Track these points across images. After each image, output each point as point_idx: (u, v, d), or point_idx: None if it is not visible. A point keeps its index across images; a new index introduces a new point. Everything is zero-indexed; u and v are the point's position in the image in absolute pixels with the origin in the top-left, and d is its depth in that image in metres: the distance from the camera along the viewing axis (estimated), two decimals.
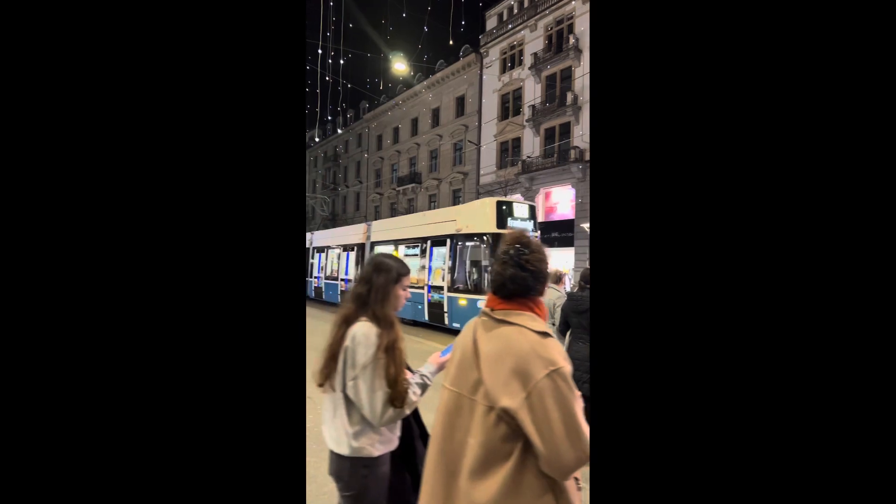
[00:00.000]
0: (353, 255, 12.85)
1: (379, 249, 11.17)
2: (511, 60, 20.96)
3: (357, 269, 12.22)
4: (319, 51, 11.76)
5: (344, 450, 1.31)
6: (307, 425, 3.25)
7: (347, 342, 1.31)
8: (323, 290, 14.73)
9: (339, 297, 13.19)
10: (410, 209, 25.20)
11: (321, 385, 1.37)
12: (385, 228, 11.87)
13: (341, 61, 12.23)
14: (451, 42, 11.20)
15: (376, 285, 1.38)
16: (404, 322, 9.46)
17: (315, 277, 15.59)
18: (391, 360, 1.31)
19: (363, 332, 1.31)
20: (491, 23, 22.40)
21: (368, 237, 12.17)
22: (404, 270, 1.45)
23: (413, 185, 26.02)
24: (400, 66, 13.73)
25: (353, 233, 13.46)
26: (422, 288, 9.49)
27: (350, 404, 1.32)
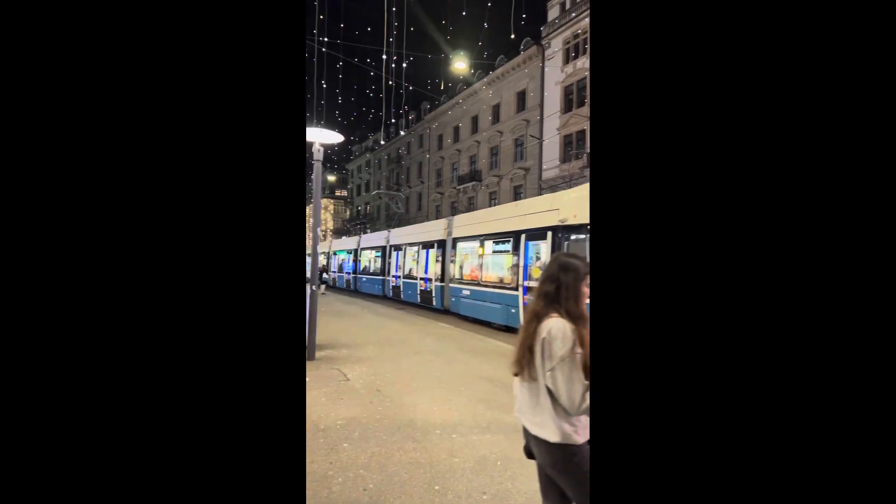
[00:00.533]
0: (433, 252, 12.00)
1: (462, 246, 10.55)
2: (574, 50, 20.15)
3: (438, 267, 11.54)
4: (384, 56, 12.13)
5: (555, 437, 1.39)
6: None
7: (543, 335, 1.40)
8: (401, 289, 13.88)
9: (417, 297, 12.60)
10: (471, 207, 25.22)
11: (517, 374, 1.49)
12: (469, 223, 10.63)
13: (404, 65, 12.54)
14: (512, 36, 11.03)
15: (565, 283, 1.46)
16: (495, 327, 8.90)
17: (393, 276, 14.72)
18: (587, 353, 1.38)
19: (558, 327, 1.39)
20: (553, 13, 21.70)
21: (450, 233, 11.32)
22: (587, 269, 1.53)
23: (473, 183, 26.01)
24: (460, 64, 13.77)
25: (432, 229, 12.55)
26: (515, 289, 8.31)
27: (552, 393, 1.41)
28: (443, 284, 11.33)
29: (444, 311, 11.29)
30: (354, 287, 18.46)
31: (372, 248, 16.98)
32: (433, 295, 11.68)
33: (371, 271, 16.85)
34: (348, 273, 19.64)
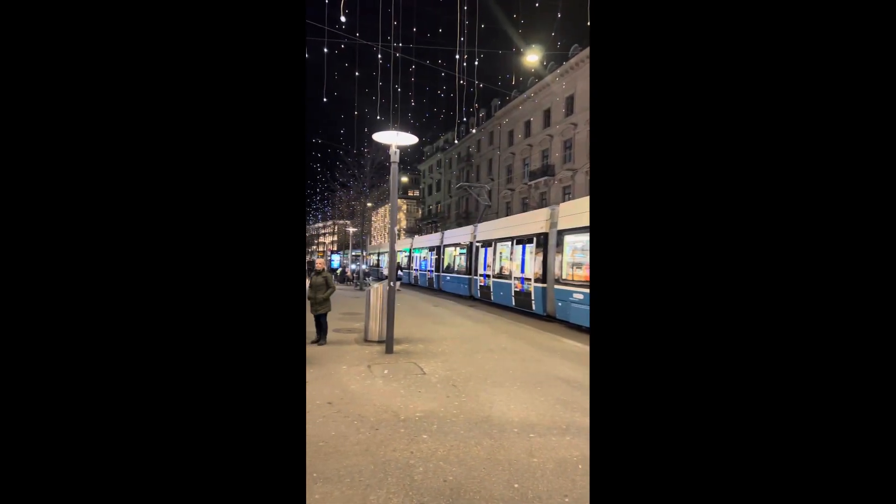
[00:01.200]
0: (531, 247, 10.23)
1: (572, 239, 8.56)
2: None
3: (538, 265, 9.77)
4: (457, 56, 12.26)
5: None
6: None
7: None
8: (491, 290, 12.19)
9: (512, 299, 10.94)
10: (542, 203, 24.59)
11: None
12: (580, 210, 8.37)
13: (475, 63, 12.57)
14: (588, 24, 10.54)
15: None
16: None
17: (481, 276, 13.05)
18: None
19: None
20: None
21: (554, 224, 9.49)
22: None
23: (546, 178, 25.31)
24: (533, 57, 13.47)
25: (530, 221, 10.67)
26: None
27: None
28: (545, 286, 9.54)
29: (548, 318, 9.54)
30: (437, 286, 17.62)
31: (456, 245, 15.80)
32: (532, 298, 9.98)
33: (455, 269, 15.66)
34: (430, 271, 18.76)
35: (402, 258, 22.87)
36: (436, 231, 24.09)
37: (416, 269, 21.10)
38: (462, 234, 15.61)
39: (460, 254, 15.40)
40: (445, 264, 16.79)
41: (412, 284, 21.19)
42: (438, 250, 17.72)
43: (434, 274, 18.14)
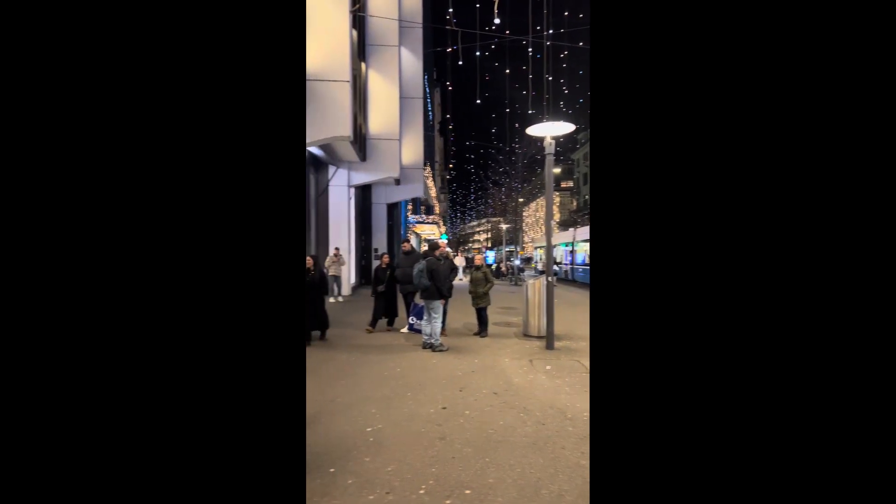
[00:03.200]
0: None
1: None
2: None
3: None
4: None
5: None
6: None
7: None
8: None
9: None
10: None
11: None
12: None
13: None
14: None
15: None
16: None
17: None
18: None
19: None
20: None
21: None
22: None
23: None
24: None
25: None
26: None
27: None
28: None
29: None
30: (571, 277, 18.05)
31: (585, 241, 16.07)
32: None
33: (583, 263, 16.11)
34: (568, 264, 19.43)
35: (541, 254, 22.85)
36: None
37: (581, 264, 21.27)
38: (587, 232, 16.65)
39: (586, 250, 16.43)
40: (578, 259, 18.31)
41: (569, 280, 20.75)
42: (571, 245, 19.11)
43: (569, 266, 19.53)
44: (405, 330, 6.58)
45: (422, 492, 2.23)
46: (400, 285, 6.63)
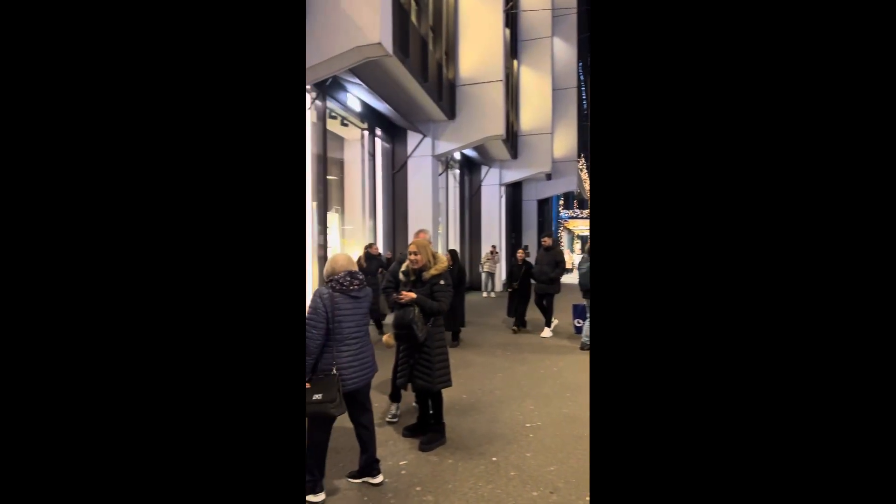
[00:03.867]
0: None
1: None
2: None
3: None
4: None
5: None
6: None
7: None
8: None
9: None
10: None
11: None
12: None
13: None
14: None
15: None
16: None
17: None
18: None
19: None
20: None
21: None
22: None
23: None
24: None
25: None
26: None
27: None
28: None
29: None
30: None
31: None
32: None
33: None
34: None
35: None
36: None
37: None
38: None
39: None
40: None
41: None
42: None
43: None
44: (546, 334, 6.11)
45: (588, 498, 2.11)
46: (535, 283, 6.12)
